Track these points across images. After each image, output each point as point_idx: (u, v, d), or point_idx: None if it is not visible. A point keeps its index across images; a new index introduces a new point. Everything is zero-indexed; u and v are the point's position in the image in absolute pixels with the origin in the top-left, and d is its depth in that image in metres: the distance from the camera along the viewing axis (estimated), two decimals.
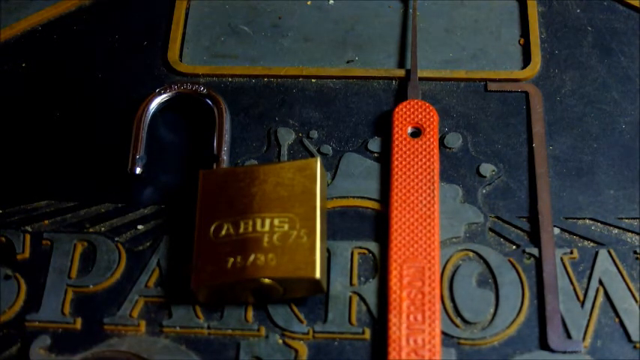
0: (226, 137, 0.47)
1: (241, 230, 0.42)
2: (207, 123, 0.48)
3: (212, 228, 0.43)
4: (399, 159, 0.46)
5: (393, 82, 0.50)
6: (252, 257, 0.41)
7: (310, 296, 0.43)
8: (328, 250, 0.44)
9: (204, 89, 0.48)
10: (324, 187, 0.45)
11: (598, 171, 0.46)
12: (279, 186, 0.43)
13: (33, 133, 0.49)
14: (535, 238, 0.44)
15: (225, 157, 0.46)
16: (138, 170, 0.46)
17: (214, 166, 0.46)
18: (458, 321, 0.42)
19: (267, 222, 0.42)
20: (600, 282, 0.43)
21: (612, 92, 0.49)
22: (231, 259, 0.42)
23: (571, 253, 0.44)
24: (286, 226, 0.42)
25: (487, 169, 0.47)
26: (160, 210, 0.46)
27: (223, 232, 0.43)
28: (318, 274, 0.41)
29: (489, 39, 0.52)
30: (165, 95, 0.48)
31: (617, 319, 0.42)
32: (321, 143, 0.48)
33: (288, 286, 0.42)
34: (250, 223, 0.43)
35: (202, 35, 0.53)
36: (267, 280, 0.41)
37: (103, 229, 0.46)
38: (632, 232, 0.44)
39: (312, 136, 0.48)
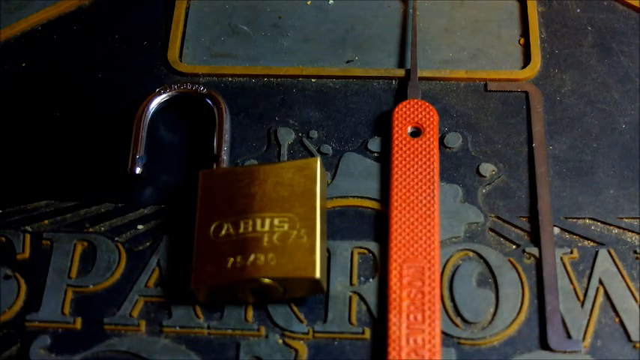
0: (226, 137, 0.47)
1: (241, 230, 0.42)
2: (207, 123, 0.48)
3: (212, 228, 0.43)
4: (399, 159, 0.46)
5: (393, 82, 0.50)
6: (252, 257, 0.41)
7: (310, 296, 0.43)
8: (328, 250, 0.44)
9: (204, 89, 0.48)
10: (324, 186, 0.45)
11: (598, 171, 0.46)
12: (279, 186, 0.43)
13: (33, 133, 0.49)
14: (535, 237, 0.44)
15: (225, 157, 0.46)
16: (138, 170, 0.46)
17: (214, 166, 0.46)
18: (458, 321, 0.42)
19: (267, 222, 0.42)
20: (600, 282, 0.43)
21: (612, 92, 0.49)
22: (231, 259, 0.42)
23: (571, 252, 0.44)
24: (286, 226, 0.42)
25: (487, 169, 0.47)
26: (159, 210, 0.46)
27: (223, 232, 0.43)
28: (318, 274, 0.41)
29: (489, 39, 0.52)
30: (165, 95, 0.48)
31: (617, 319, 0.42)
32: (321, 143, 0.48)
33: (288, 286, 0.41)
34: (250, 222, 0.42)
35: (202, 35, 0.53)
36: (267, 280, 0.41)
37: (103, 229, 0.46)
38: (632, 231, 0.44)
39: (312, 136, 0.48)
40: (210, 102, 0.48)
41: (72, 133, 0.49)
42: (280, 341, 0.42)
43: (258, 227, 0.42)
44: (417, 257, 0.43)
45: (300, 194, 0.43)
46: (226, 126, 0.47)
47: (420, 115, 0.47)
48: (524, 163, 0.47)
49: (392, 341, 0.41)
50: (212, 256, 0.42)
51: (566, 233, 0.44)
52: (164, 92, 0.48)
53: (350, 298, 0.43)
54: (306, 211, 0.43)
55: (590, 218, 0.45)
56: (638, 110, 0.48)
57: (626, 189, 0.46)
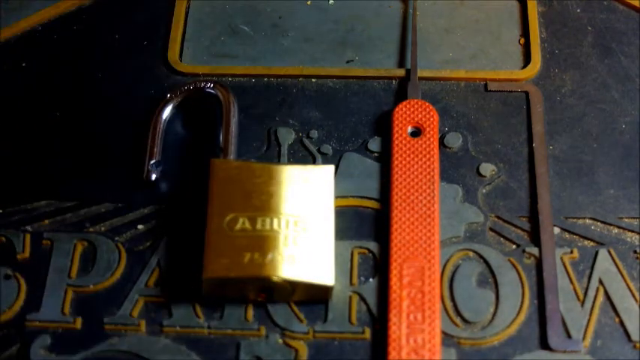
0: (233, 130, 0.47)
1: (258, 227, 0.42)
2: (207, 122, 0.48)
3: (227, 220, 0.43)
4: (399, 159, 0.46)
5: (393, 82, 0.50)
6: (270, 255, 0.41)
7: (314, 300, 0.43)
8: None
9: (211, 85, 0.48)
10: (333, 192, 0.45)
11: (598, 171, 0.46)
12: (296, 188, 0.43)
13: (33, 133, 0.49)
14: (535, 237, 0.44)
15: (232, 147, 0.46)
16: (154, 177, 0.46)
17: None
18: (458, 321, 0.42)
19: (284, 222, 0.42)
20: (600, 282, 0.43)
21: (612, 92, 0.49)
22: (248, 254, 0.41)
23: (571, 252, 0.44)
24: (303, 229, 0.42)
25: (487, 168, 0.47)
26: (160, 210, 0.46)
27: (239, 226, 0.42)
28: (332, 282, 0.41)
29: (489, 39, 0.52)
30: (179, 98, 0.48)
31: (617, 319, 0.42)
32: (321, 143, 0.48)
33: (299, 289, 0.41)
34: (268, 220, 0.42)
35: (202, 35, 0.53)
36: (283, 281, 0.41)
37: (103, 228, 0.46)
38: (632, 231, 0.44)
39: (312, 136, 0.48)
40: (218, 94, 0.48)
41: (72, 133, 0.49)
42: (280, 341, 0.42)
43: (275, 226, 0.42)
44: (417, 257, 0.43)
45: (317, 199, 0.43)
46: (234, 119, 0.47)
47: (420, 115, 0.47)
48: (524, 163, 0.47)
49: (392, 341, 0.41)
50: (227, 248, 0.42)
51: (566, 233, 0.44)
52: (175, 97, 0.48)
53: (350, 298, 0.43)
54: (321, 216, 0.43)
55: (590, 218, 0.45)
56: (638, 110, 0.48)
57: (626, 189, 0.46)
